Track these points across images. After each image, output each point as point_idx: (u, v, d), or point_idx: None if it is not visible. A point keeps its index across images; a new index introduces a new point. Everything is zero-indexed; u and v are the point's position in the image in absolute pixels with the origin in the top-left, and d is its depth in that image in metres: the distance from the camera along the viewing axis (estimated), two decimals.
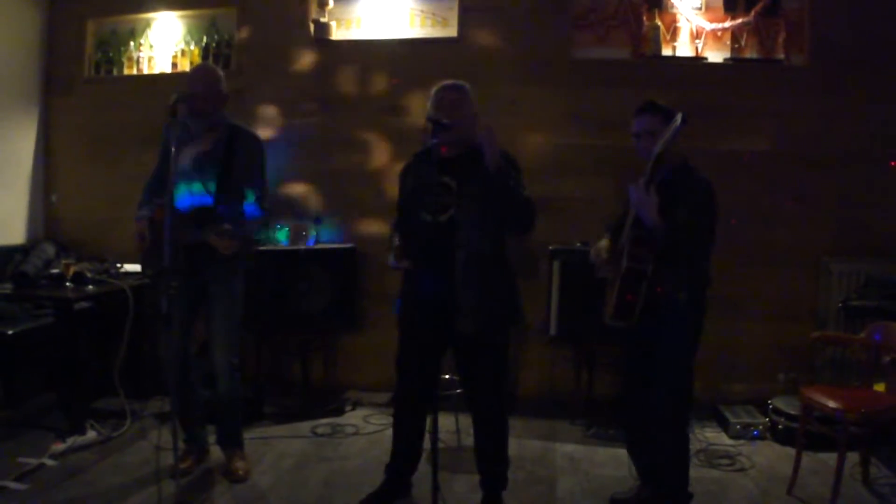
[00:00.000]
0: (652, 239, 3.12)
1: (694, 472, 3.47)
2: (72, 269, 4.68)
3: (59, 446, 4.14)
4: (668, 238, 3.10)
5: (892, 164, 4.94)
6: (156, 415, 4.73)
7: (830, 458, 3.76)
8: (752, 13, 5.06)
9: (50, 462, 3.97)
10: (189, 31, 5.73)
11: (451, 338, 3.35)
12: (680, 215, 3.13)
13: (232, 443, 4.01)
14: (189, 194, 3.70)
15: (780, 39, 5.10)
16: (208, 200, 3.69)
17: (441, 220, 3.26)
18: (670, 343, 3.24)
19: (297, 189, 5.51)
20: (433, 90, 3.40)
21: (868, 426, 3.59)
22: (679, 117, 2.98)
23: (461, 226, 3.25)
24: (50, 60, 5.86)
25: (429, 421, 2.99)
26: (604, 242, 3.54)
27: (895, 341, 3.79)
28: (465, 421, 3.68)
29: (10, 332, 4.56)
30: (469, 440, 3.58)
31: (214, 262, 3.67)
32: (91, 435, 4.35)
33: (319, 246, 5.21)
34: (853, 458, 3.87)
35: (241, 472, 3.89)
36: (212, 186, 3.70)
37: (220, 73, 3.86)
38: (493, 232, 3.30)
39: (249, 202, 3.77)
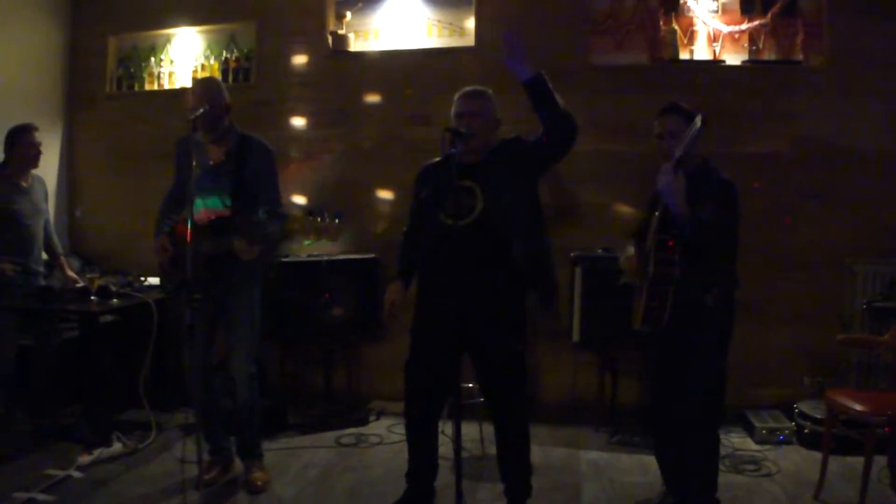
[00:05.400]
0: (678, 230, 3.06)
1: (720, 478, 3.44)
2: (96, 283, 4.72)
3: (85, 458, 4.17)
4: (695, 228, 3.02)
5: None
6: (180, 426, 4.76)
7: (857, 461, 3.71)
8: (770, 15, 5.05)
9: (76, 474, 4.01)
10: (209, 46, 5.80)
11: (469, 346, 3.33)
12: (704, 213, 3.08)
13: (250, 453, 4.02)
14: (206, 206, 3.74)
15: (798, 41, 5.08)
16: (225, 211, 3.73)
17: (462, 224, 3.21)
18: (700, 347, 3.22)
19: (318, 200, 5.51)
20: (455, 97, 3.41)
21: (895, 429, 3.55)
22: (699, 120, 2.94)
23: (492, 231, 3.22)
24: (72, 77, 5.96)
25: (452, 429, 2.97)
26: (631, 250, 3.50)
27: None
28: (489, 429, 3.67)
29: (36, 346, 4.62)
30: (493, 448, 3.57)
31: (234, 272, 3.71)
32: (117, 447, 4.38)
33: (342, 256, 5.23)
34: (880, 461, 3.83)
35: (259, 483, 3.90)
36: (227, 198, 3.74)
37: (221, 84, 3.93)
38: (522, 236, 3.26)
39: (265, 209, 3.78)
